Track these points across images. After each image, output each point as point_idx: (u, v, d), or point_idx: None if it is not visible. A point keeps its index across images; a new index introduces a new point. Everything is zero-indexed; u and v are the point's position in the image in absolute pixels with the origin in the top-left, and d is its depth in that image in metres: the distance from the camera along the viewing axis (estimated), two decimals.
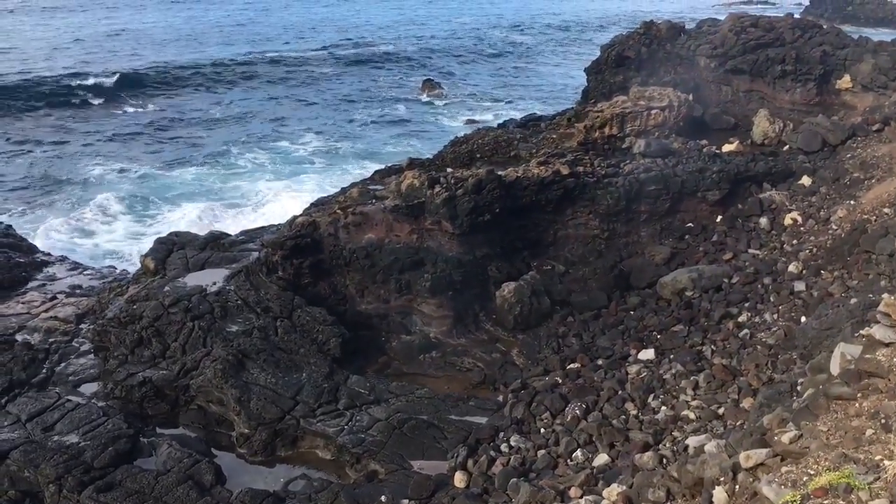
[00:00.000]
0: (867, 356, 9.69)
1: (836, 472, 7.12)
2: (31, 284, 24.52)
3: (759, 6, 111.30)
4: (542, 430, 16.72)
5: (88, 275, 25.77)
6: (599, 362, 18.88)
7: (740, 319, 19.29)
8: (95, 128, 50.57)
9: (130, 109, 55.56)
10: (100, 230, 34.28)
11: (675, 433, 15.27)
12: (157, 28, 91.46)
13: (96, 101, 56.53)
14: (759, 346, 17.69)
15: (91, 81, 59.34)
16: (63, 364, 20.09)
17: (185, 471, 15.88)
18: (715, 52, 31.25)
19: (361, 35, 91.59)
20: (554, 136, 28.01)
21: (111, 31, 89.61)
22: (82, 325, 21.87)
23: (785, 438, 8.66)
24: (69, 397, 18.33)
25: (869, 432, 8.10)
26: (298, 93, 61.40)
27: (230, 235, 25.51)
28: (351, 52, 78.23)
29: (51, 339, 21.09)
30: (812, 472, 7.55)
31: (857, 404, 8.93)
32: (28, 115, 52.33)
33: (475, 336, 21.26)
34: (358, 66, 71.78)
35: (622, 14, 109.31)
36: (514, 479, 14.91)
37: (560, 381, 18.32)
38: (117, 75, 61.36)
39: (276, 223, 26.25)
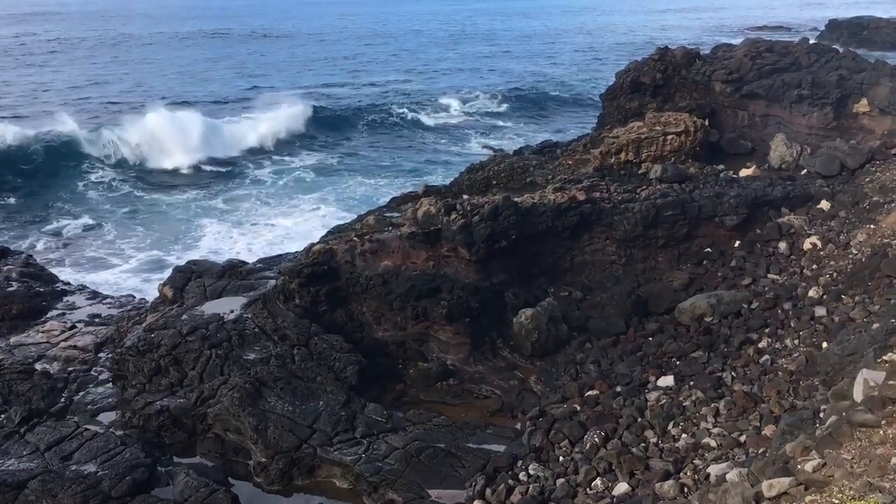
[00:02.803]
0: (891, 382, 9.56)
1: (862, 501, 7.01)
2: (50, 314, 24.70)
3: (774, 31, 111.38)
4: (561, 458, 16.53)
5: (107, 304, 25.92)
6: (618, 389, 18.68)
7: (760, 345, 19.09)
8: (103, 156, 50.98)
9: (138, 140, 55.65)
10: (116, 259, 34.49)
11: (696, 461, 15.06)
12: (171, 63, 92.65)
13: (98, 134, 56.54)
14: (780, 373, 17.49)
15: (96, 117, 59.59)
16: (82, 393, 20.17)
17: (202, 500, 15.82)
18: (730, 77, 31.28)
19: (376, 65, 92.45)
20: (570, 162, 28.08)
21: (120, 63, 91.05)
22: (101, 354, 21.97)
23: (808, 467, 8.53)
24: (87, 426, 18.31)
25: (894, 460, 7.97)
26: (314, 117, 61.67)
27: (248, 263, 25.63)
28: (366, 82, 78.95)
29: (70, 369, 21.19)
30: (836, 501, 7.44)
31: (881, 431, 8.79)
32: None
33: (492, 363, 21.14)
34: (374, 90, 72.43)
35: (636, 42, 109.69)
36: None
37: (578, 408, 18.13)
38: (127, 106, 62.03)
39: (294, 250, 26.39)
